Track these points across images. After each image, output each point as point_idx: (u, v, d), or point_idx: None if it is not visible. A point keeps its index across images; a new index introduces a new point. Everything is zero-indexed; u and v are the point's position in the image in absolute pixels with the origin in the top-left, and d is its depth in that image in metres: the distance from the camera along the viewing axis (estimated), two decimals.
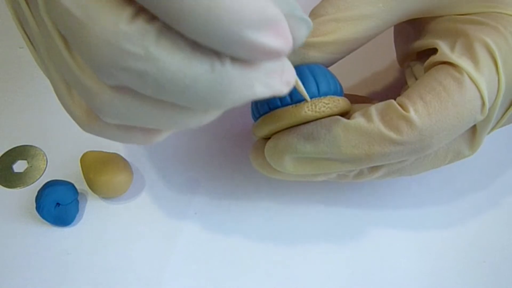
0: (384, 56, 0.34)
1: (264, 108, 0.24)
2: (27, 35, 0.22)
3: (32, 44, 0.22)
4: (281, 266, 0.28)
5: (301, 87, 0.22)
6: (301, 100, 0.23)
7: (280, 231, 0.29)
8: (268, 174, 0.26)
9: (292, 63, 0.24)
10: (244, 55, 0.16)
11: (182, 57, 0.15)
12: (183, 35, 0.15)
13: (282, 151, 0.24)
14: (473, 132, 0.25)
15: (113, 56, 0.15)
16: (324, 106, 0.23)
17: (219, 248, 0.29)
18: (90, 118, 0.19)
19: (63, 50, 0.18)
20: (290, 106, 0.23)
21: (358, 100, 0.27)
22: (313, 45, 0.24)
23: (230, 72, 0.16)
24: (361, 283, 0.27)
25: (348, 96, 0.25)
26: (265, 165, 0.26)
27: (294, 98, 0.23)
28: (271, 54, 0.16)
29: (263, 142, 0.26)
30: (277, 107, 0.24)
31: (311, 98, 0.23)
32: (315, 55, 0.24)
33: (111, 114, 0.18)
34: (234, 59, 0.16)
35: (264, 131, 0.25)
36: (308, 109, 0.23)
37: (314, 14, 0.25)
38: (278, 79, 0.18)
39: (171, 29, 0.15)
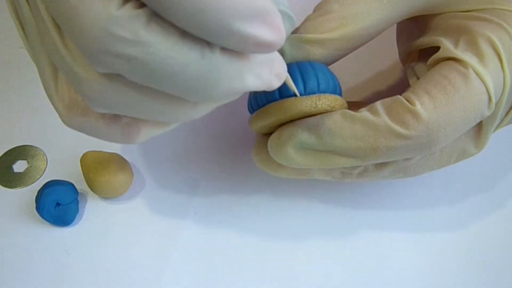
0: (386, 56, 0.34)
1: (262, 100, 0.24)
2: (19, 20, 0.22)
3: (23, 30, 0.22)
4: (281, 266, 0.28)
5: (291, 82, 0.22)
6: (303, 94, 0.23)
7: (280, 231, 0.29)
8: (269, 171, 0.26)
9: (296, 59, 0.24)
10: (235, 46, 0.15)
11: (171, 43, 0.15)
12: (172, 23, 0.15)
13: (285, 142, 0.24)
14: (479, 130, 0.25)
15: (103, 40, 0.15)
16: (324, 103, 0.23)
17: (219, 248, 0.29)
18: (71, 113, 0.20)
19: (55, 36, 0.18)
20: (289, 99, 0.23)
21: (356, 106, 0.27)
22: (318, 41, 0.24)
23: (220, 61, 0.16)
24: (361, 283, 0.27)
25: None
26: (266, 161, 0.26)
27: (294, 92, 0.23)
28: (263, 47, 0.15)
29: (264, 138, 0.26)
30: (275, 100, 0.24)
31: (310, 94, 0.23)
32: (319, 52, 0.24)
33: (100, 102, 0.18)
34: (225, 49, 0.16)
35: (260, 123, 0.25)
36: (306, 104, 0.23)
37: (318, 9, 0.25)
38: (269, 71, 0.18)
39: (161, 16, 0.15)
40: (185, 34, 0.15)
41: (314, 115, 0.23)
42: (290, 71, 0.23)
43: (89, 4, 0.15)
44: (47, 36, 0.18)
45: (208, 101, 0.18)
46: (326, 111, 0.23)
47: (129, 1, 0.15)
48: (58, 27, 0.18)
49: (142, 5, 0.15)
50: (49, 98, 0.20)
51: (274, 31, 0.15)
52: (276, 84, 0.18)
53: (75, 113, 0.20)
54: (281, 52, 0.24)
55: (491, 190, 0.30)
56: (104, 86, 0.17)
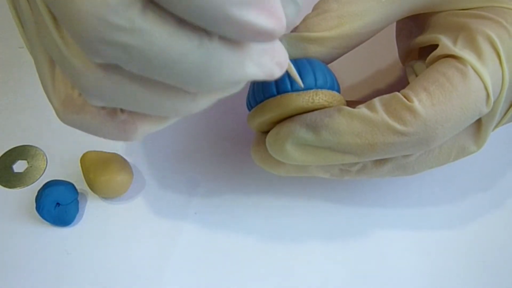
0: (386, 55, 0.34)
1: (260, 96, 0.24)
2: (19, 17, 0.22)
3: (21, 23, 0.22)
4: (282, 266, 0.28)
5: (294, 71, 0.22)
6: (297, 90, 0.23)
7: (280, 231, 0.29)
8: (268, 169, 0.26)
9: (294, 57, 0.24)
10: (233, 35, 0.15)
11: (169, 31, 0.15)
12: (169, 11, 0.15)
13: (283, 138, 0.24)
14: (478, 127, 0.25)
15: (98, 28, 0.15)
16: (321, 99, 0.23)
17: (219, 248, 0.29)
18: (67, 109, 0.19)
19: (51, 28, 0.17)
20: (286, 94, 0.23)
21: (355, 104, 0.27)
22: (315, 39, 0.24)
23: (220, 49, 0.16)
24: (361, 283, 0.27)
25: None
26: (265, 158, 0.26)
27: (293, 87, 0.23)
28: (262, 35, 0.15)
29: (263, 135, 0.26)
30: (272, 96, 0.24)
31: (308, 89, 0.23)
32: (317, 50, 0.24)
33: (97, 94, 0.17)
34: (224, 37, 0.16)
35: (258, 120, 0.25)
36: (304, 99, 0.23)
37: (317, 9, 0.25)
38: (270, 60, 0.17)
39: (157, 4, 0.15)
40: (182, 21, 0.15)
41: (312, 110, 0.23)
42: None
43: None
44: (43, 28, 0.18)
45: (207, 91, 0.18)
46: (324, 107, 0.23)
47: None
48: (54, 18, 0.17)
49: None
50: (46, 94, 0.20)
51: (274, 19, 0.15)
52: (278, 72, 0.18)
53: (71, 110, 0.19)
54: None
55: (491, 189, 0.30)
56: (100, 77, 0.17)
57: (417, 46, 0.27)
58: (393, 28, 0.30)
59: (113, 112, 0.19)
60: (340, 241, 0.29)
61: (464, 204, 0.30)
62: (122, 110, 0.19)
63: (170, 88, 0.17)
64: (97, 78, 0.17)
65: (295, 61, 0.24)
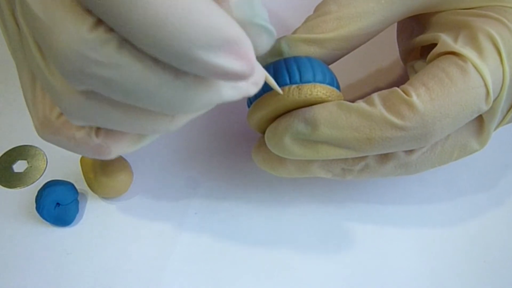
0: (386, 55, 0.34)
1: (259, 91, 0.24)
2: (4, 26, 0.22)
3: (8, 37, 0.22)
4: (282, 266, 0.28)
5: (272, 82, 0.22)
6: (296, 83, 0.23)
7: (280, 231, 0.29)
8: (270, 171, 0.26)
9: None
10: (201, 74, 0.15)
11: (144, 66, 0.15)
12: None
13: (282, 133, 0.24)
14: (481, 126, 0.25)
15: (77, 62, 0.15)
16: (320, 92, 0.23)
17: (219, 248, 0.29)
18: (44, 130, 0.20)
19: (35, 53, 0.18)
20: (284, 87, 0.23)
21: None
22: (316, 41, 0.24)
23: (195, 79, 0.16)
24: (361, 283, 0.27)
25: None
26: (267, 160, 0.26)
27: (292, 80, 0.23)
28: (230, 76, 0.15)
29: (264, 137, 0.26)
30: (271, 90, 0.24)
31: (306, 83, 0.23)
32: (317, 51, 0.24)
33: (78, 115, 0.18)
34: None
35: (257, 114, 0.25)
36: (302, 92, 0.23)
37: (317, 11, 0.25)
38: (246, 82, 0.18)
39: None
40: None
41: (310, 105, 0.23)
42: (287, 64, 0.23)
43: (62, 26, 0.15)
44: (28, 51, 0.18)
45: (186, 115, 0.18)
46: (322, 100, 0.23)
47: (101, 24, 0.15)
48: (39, 45, 0.18)
49: (112, 29, 0.15)
50: (28, 109, 0.21)
51: (243, 61, 0.15)
52: (253, 91, 0.18)
53: (48, 131, 0.20)
54: (280, 52, 0.24)
55: (491, 189, 0.30)
56: (81, 101, 0.17)
57: (418, 45, 0.27)
58: (394, 27, 0.30)
59: (88, 136, 0.20)
60: (341, 241, 0.29)
61: (464, 204, 0.30)
62: (97, 132, 0.20)
63: (149, 111, 0.18)
64: (78, 102, 0.17)
65: (294, 58, 0.24)
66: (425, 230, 0.29)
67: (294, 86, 0.23)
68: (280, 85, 0.23)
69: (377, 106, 0.22)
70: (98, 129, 0.20)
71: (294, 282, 0.27)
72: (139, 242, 0.29)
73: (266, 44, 0.18)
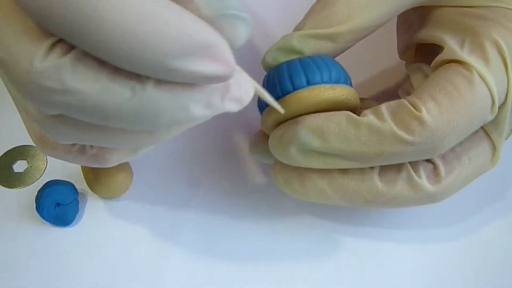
0: (389, 52, 0.34)
1: (278, 93, 0.23)
2: None
3: None
4: (282, 266, 0.28)
5: (265, 95, 0.20)
6: (315, 83, 0.23)
7: (280, 231, 0.29)
8: (290, 193, 0.26)
9: (305, 54, 0.24)
10: (177, 80, 0.15)
11: (100, 87, 0.15)
12: (103, 61, 0.15)
13: (288, 142, 0.23)
14: (493, 149, 0.25)
15: (35, 91, 0.15)
16: (339, 92, 0.23)
17: (219, 248, 0.28)
18: (42, 142, 0.21)
19: (7, 80, 0.18)
20: (305, 89, 0.23)
21: (362, 101, 0.26)
22: (327, 36, 0.24)
23: (155, 95, 0.16)
24: (361, 283, 0.27)
25: None
26: (290, 181, 0.25)
27: (309, 83, 0.23)
28: (210, 80, 0.15)
29: (261, 134, 0.26)
30: (289, 92, 0.23)
31: (326, 83, 0.23)
32: (329, 45, 0.24)
33: (58, 136, 0.18)
34: (161, 82, 0.15)
35: (275, 116, 0.24)
36: (325, 92, 0.23)
37: (326, 2, 0.24)
38: (220, 98, 0.17)
39: (88, 56, 0.15)
40: (113, 73, 0.15)
41: (333, 107, 0.23)
42: (304, 64, 0.23)
43: (16, 59, 0.15)
44: (3, 76, 0.19)
45: (159, 130, 0.18)
46: (344, 100, 0.23)
47: (57, 45, 0.15)
48: None
49: (70, 48, 0.15)
50: (26, 128, 0.22)
51: (221, 63, 0.15)
52: (234, 109, 0.17)
53: (46, 147, 0.21)
54: (290, 48, 0.24)
55: (492, 189, 0.30)
56: (57, 124, 0.18)
57: (418, 41, 0.27)
58: (394, 21, 0.30)
59: (83, 148, 0.21)
60: (341, 241, 0.29)
61: (465, 204, 0.29)
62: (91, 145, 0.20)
63: (123, 129, 0.17)
64: (54, 125, 0.18)
65: (311, 58, 0.23)
66: (425, 230, 0.29)
67: (317, 87, 0.23)
68: (296, 87, 0.23)
69: (386, 120, 0.22)
70: None
71: (295, 282, 0.27)
72: (139, 242, 0.29)
73: (244, 33, 0.17)
